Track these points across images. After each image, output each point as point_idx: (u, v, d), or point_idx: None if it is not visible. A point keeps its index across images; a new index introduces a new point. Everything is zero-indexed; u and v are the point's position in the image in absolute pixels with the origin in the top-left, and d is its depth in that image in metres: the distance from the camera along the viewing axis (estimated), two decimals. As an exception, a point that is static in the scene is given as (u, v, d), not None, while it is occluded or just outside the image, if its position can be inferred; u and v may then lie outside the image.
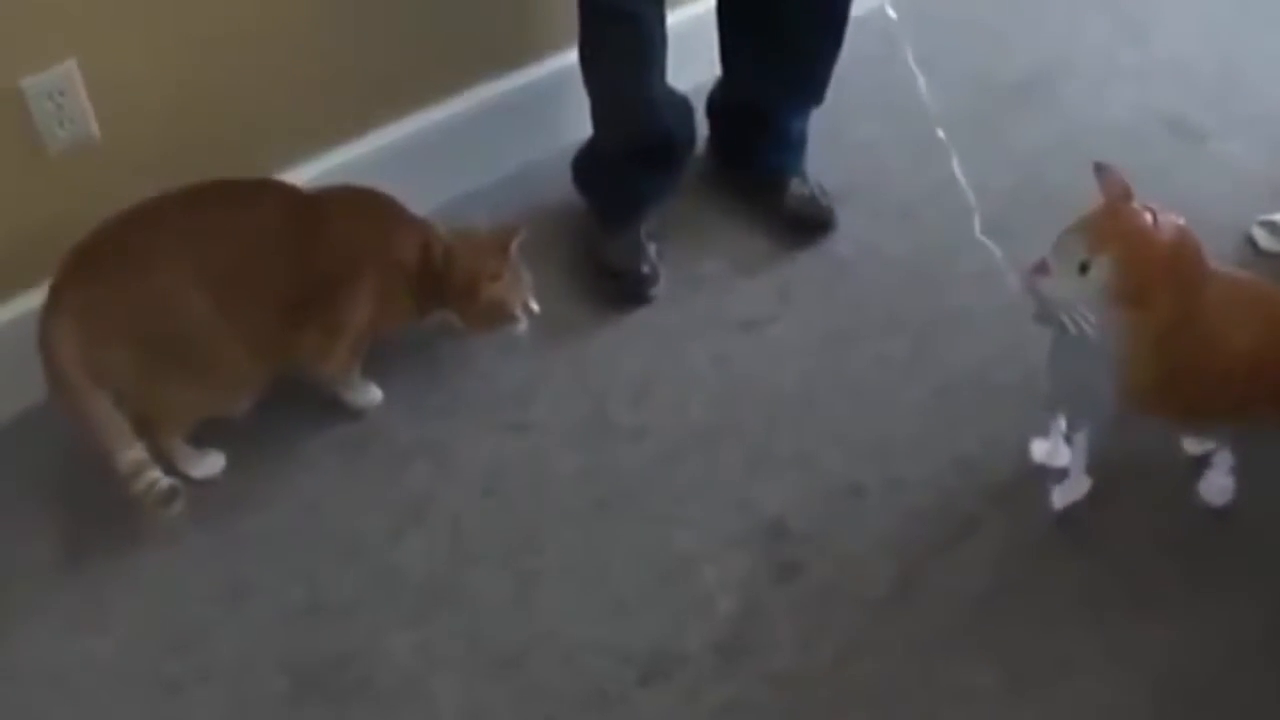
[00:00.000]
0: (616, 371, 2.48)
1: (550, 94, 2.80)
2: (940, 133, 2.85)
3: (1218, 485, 2.22)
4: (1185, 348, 1.97)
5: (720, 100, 2.84)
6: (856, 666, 2.03)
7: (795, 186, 2.75)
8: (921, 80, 3.06)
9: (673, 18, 2.51)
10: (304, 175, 2.48)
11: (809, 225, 2.71)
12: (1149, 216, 1.90)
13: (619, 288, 2.61)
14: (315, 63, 2.49)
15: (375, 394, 2.41)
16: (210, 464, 2.29)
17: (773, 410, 2.36)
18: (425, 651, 2.05)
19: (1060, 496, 2.21)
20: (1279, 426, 2.14)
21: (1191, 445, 2.27)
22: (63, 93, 2.21)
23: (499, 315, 2.34)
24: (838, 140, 2.88)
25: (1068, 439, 2.21)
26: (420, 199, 2.38)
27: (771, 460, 2.31)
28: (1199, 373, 2.00)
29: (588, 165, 2.72)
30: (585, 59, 2.54)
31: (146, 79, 2.30)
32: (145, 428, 2.11)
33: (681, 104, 2.67)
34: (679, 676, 2.02)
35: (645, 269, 2.61)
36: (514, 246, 2.32)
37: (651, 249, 2.64)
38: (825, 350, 2.51)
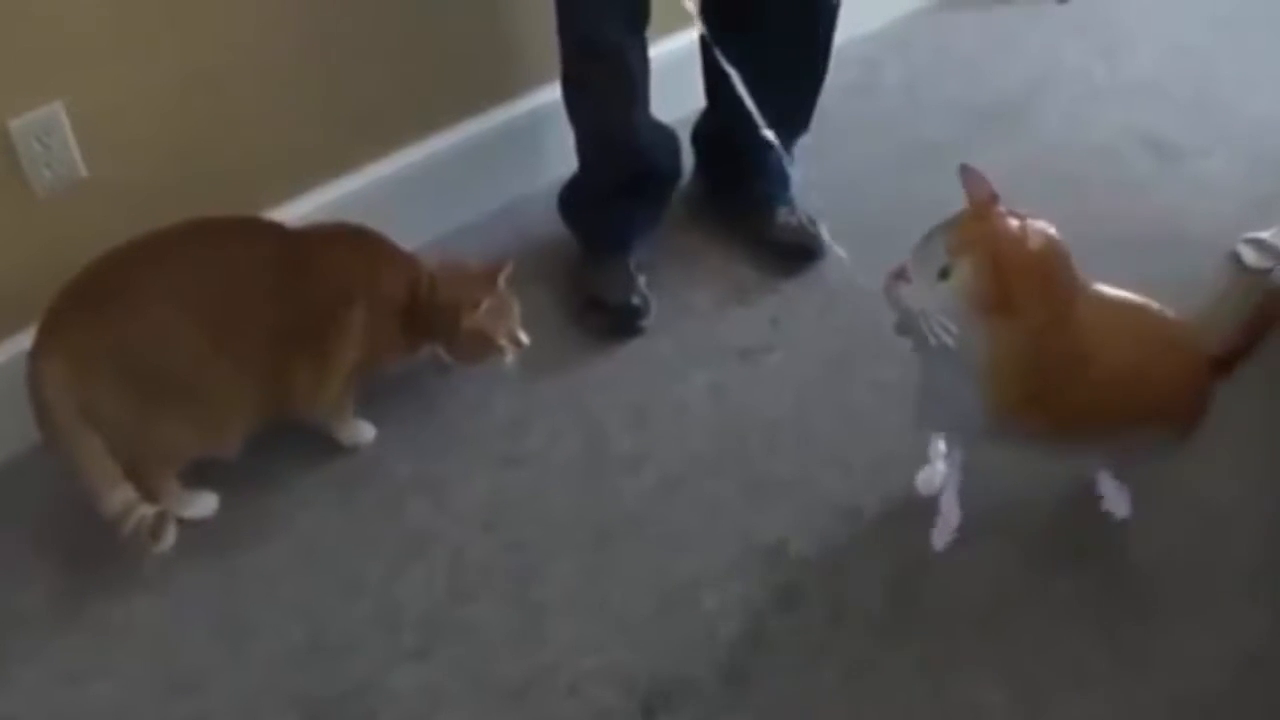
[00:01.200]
0: (612, 402, 2.48)
1: (536, 128, 2.82)
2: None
3: (1114, 497, 2.21)
4: (1054, 360, 1.89)
5: (706, 131, 2.85)
6: (863, 688, 2.02)
7: (783, 215, 2.75)
8: (903, 106, 3.08)
9: (656, 49, 2.53)
10: (293, 212, 2.49)
11: (798, 253, 2.71)
12: (1015, 221, 1.83)
13: (610, 320, 2.60)
14: (303, 100, 2.50)
15: (368, 431, 2.41)
16: (203, 504, 2.28)
17: (770, 436, 2.36)
18: (430, 687, 2.04)
19: (939, 537, 2.19)
20: (1156, 448, 2.09)
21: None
22: (50, 133, 2.21)
23: (483, 346, 2.33)
24: (821, 168, 2.88)
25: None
26: (409, 234, 2.38)
27: (770, 486, 2.30)
28: (1070, 387, 1.92)
29: (574, 198, 2.72)
30: (568, 94, 2.55)
31: (134, 119, 2.30)
32: (136, 469, 2.10)
33: (667, 135, 2.69)
34: (684, 704, 2.01)
35: (635, 300, 2.60)
36: (501, 279, 2.31)
37: (641, 280, 2.64)
38: (820, 376, 2.51)
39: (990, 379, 1.90)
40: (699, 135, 2.86)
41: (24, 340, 2.11)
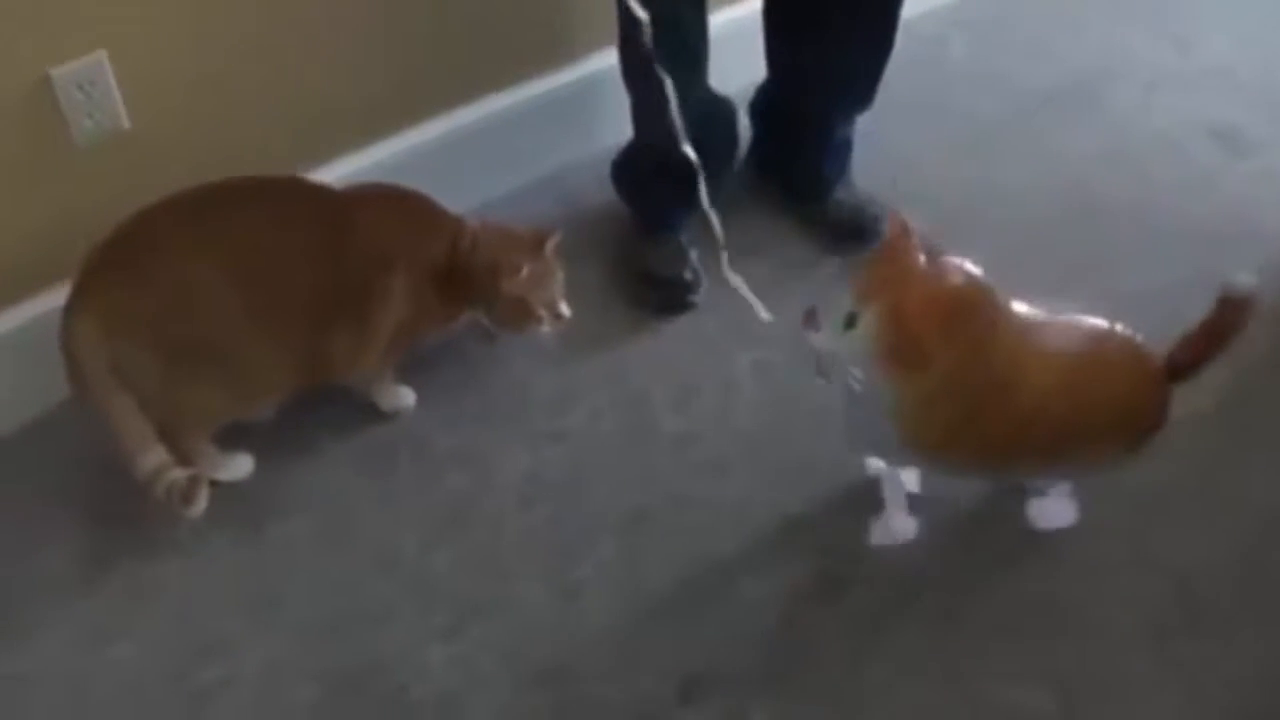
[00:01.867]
0: (657, 379, 2.43)
1: (591, 95, 2.77)
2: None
3: (1052, 510, 2.14)
4: (970, 397, 1.83)
5: (765, 104, 2.79)
6: (906, 687, 1.96)
7: (840, 192, 2.71)
8: (967, 85, 3.03)
9: (718, 18, 2.47)
10: (335, 173, 2.44)
11: (853, 232, 2.64)
12: (923, 264, 1.76)
13: (660, 294, 2.56)
14: (349, 59, 2.46)
15: (408, 397, 2.36)
16: (237, 466, 2.24)
17: (818, 420, 2.27)
18: (461, 664, 2.00)
19: (881, 535, 2.13)
20: (1107, 461, 2.02)
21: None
22: (92, 83, 2.17)
23: (521, 314, 2.27)
24: (882, 146, 2.82)
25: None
26: (454, 198, 2.33)
27: (817, 471, 2.24)
28: (994, 419, 1.86)
29: (628, 169, 2.67)
30: (625, 62, 2.49)
31: (178, 72, 2.26)
32: (169, 430, 2.07)
33: (725, 106, 2.63)
34: (721, 695, 1.96)
35: (687, 275, 2.56)
36: (548, 247, 2.26)
37: (693, 255, 2.59)
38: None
39: (902, 423, 1.86)
40: (758, 107, 2.80)
41: (60, 294, 2.07)
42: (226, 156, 2.17)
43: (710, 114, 2.53)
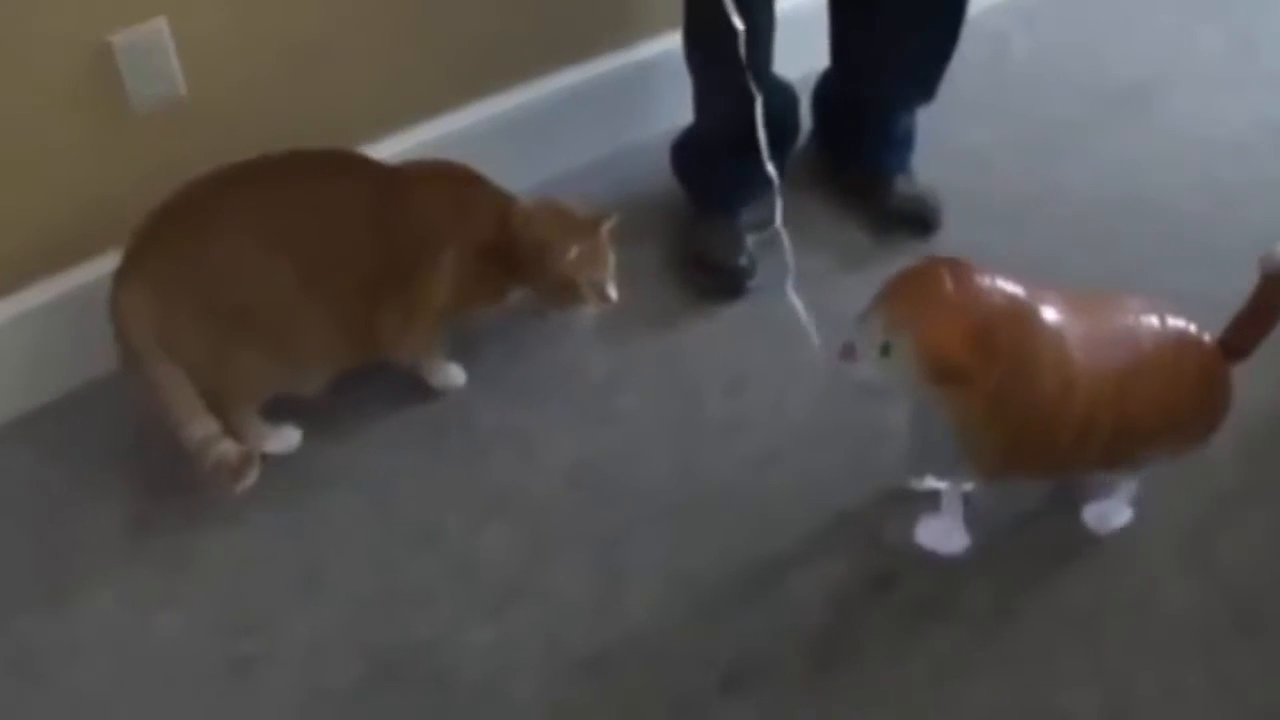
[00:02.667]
0: (711, 366, 2.40)
1: (652, 76, 2.75)
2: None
3: (1108, 512, 2.11)
4: (1028, 407, 1.80)
5: (827, 91, 2.77)
6: (951, 685, 1.93)
7: (900, 184, 2.68)
8: (1028, 83, 3.01)
9: (783, 4, 2.44)
10: (391, 149, 2.43)
11: (914, 224, 2.63)
12: (948, 280, 1.73)
13: (715, 280, 2.54)
14: (409, 33, 2.45)
15: (458, 375, 2.35)
16: (284, 439, 2.23)
17: (873, 414, 2.26)
18: (502, 648, 1.98)
19: (931, 538, 2.10)
20: (1179, 450, 1.99)
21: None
22: (152, 50, 2.16)
23: (567, 294, 2.25)
24: (943, 141, 2.80)
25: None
26: (512, 179, 2.30)
27: (870, 466, 2.21)
28: (1056, 425, 1.83)
29: (687, 152, 2.65)
30: (689, 43, 2.47)
31: (238, 42, 2.26)
32: (217, 401, 2.06)
33: (787, 92, 2.60)
34: (763, 687, 1.93)
35: (743, 261, 2.53)
36: (603, 229, 2.24)
37: (750, 241, 2.56)
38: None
39: (963, 443, 1.84)
40: (820, 95, 2.78)
41: (113, 260, 2.07)
42: (283, 128, 2.16)
43: (772, 98, 2.48)
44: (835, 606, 2.03)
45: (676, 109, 2.59)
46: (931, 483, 2.11)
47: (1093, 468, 1.98)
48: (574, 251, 2.18)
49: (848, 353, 1.81)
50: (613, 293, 2.27)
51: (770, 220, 2.34)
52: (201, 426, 2.01)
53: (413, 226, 2.15)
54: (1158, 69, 3.15)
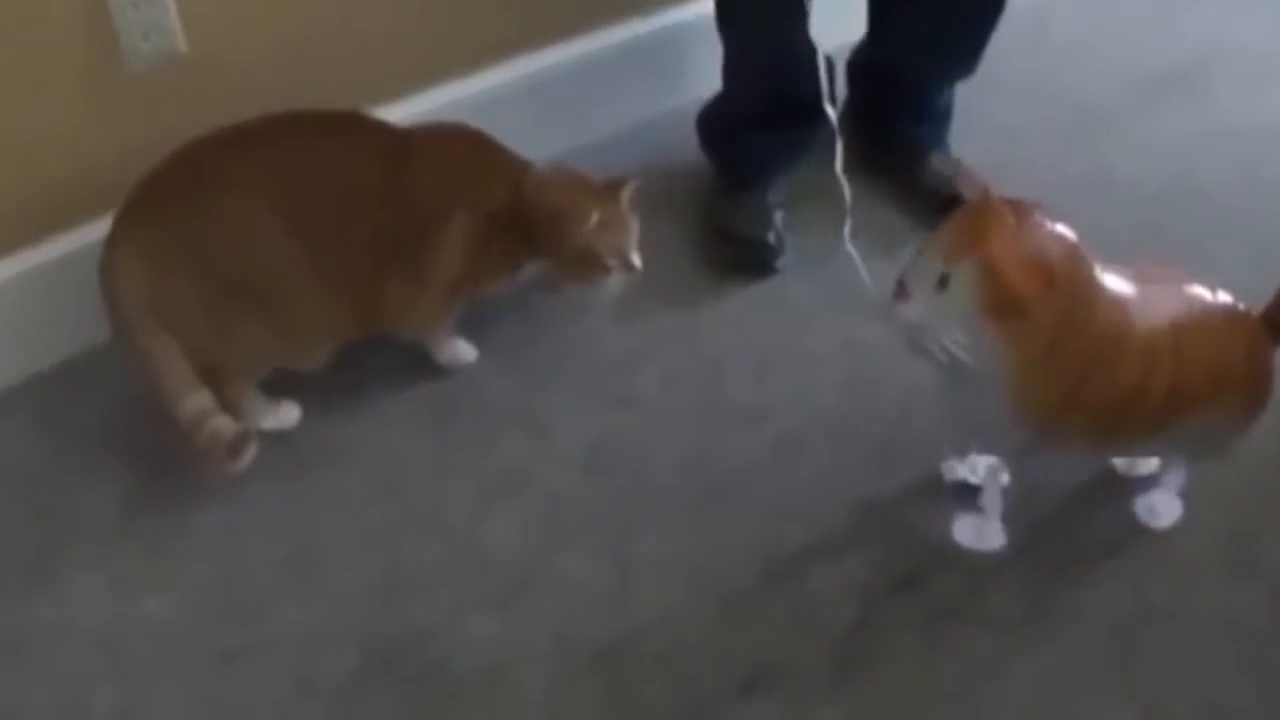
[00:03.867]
0: (735, 348, 2.32)
1: (680, 42, 2.70)
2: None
3: (1160, 505, 2.03)
4: (1083, 353, 1.74)
5: (863, 62, 2.68)
6: (982, 691, 1.84)
7: (936, 161, 2.59)
8: (1068, 65, 2.94)
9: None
10: (403, 113, 2.34)
11: (950, 204, 2.45)
12: (1009, 214, 1.66)
13: (741, 256, 2.45)
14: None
15: (468, 352, 2.27)
16: (283, 415, 2.16)
17: (904, 402, 2.18)
18: (509, 639, 1.89)
19: (967, 536, 2.01)
20: (1222, 429, 1.90)
21: (1124, 465, 2.08)
22: (150, 3, 2.09)
23: (588, 265, 2.16)
24: (977, 123, 2.72)
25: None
26: (532, 146, 2.21)
27: (899, 457, 2.12)
28: (1107, 379, 1.76)
29: (716, 122, 2.58)
30: (721, 7, 2.40)
31: (243, -7, 2.17)
32: (213, 375, 1.99)
33: (823, 63, 2.46)
34: (784, 688, 1.84)
35: (771, 238, 2.45)
36: (624, 194, 2.16)
37: (778, 217, 2.49)
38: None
39: (1018, 388, 1.74)
40: (856, 65, 2.69)
41: (105, 226, 2.00)
42: (289, 89, 2.07)
43: (806, 68, 2.37)
44: (860, 605, 1.94)
45: (705, 77, 2.52)
46: (966, 473, 2.04)
47: (1143, 433, 1.88)
48: (594, 218, 2.10)
49: (900, 290, 1.72)
50: (637, 262, 2.18)
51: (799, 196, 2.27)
52: (195, 401, 1.94)
53: (422, 192, 2.07)
54: (1202, 55, 3.06)
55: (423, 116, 2.29)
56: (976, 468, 2.04)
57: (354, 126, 2.10)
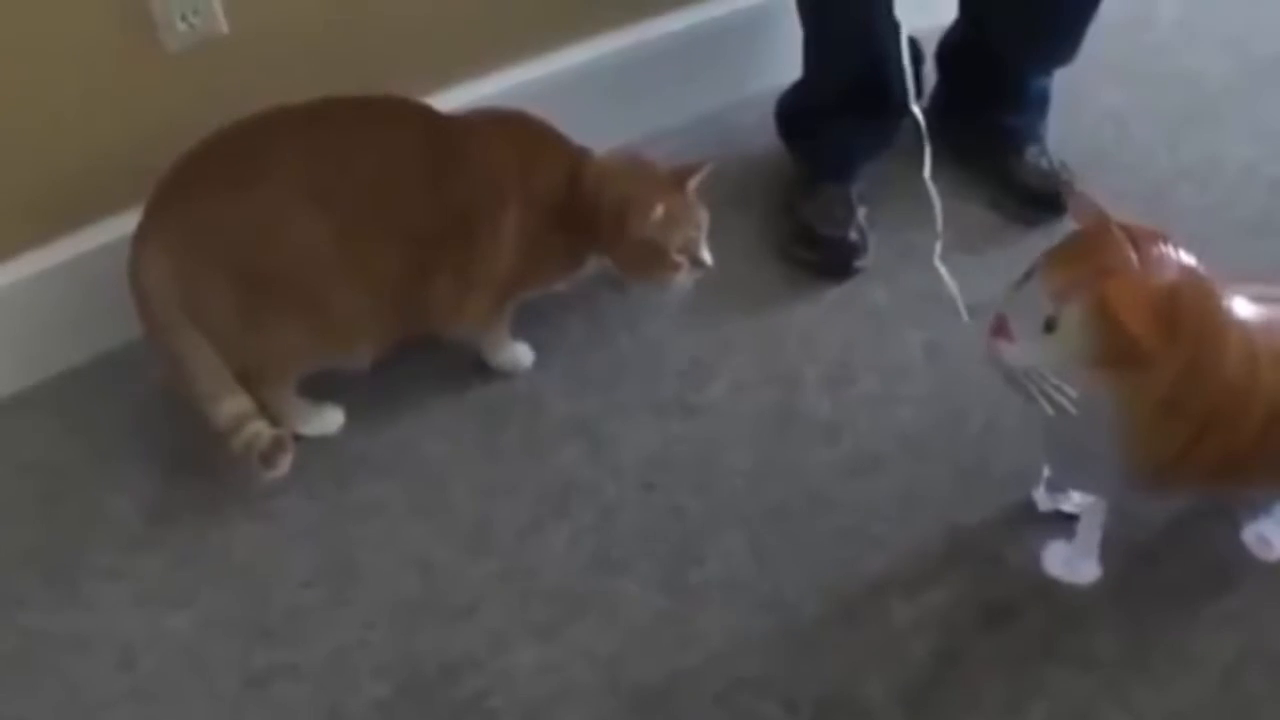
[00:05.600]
0: (812, 354, 2.21)
1: (759, 25, 2.58)
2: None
3: (1269, 534, 1.88)
4: (1206, 406, 1.59)
5: (954, 47, 2.56)
6: (1072, 739, 1.72)
7: (1032, 155, 2.46)
8: (1178, 47, 2.81)
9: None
10: (457, 100, 2.26)
11: (1046, 202, 2.39)
12: (1131, 249, 1.50)
13: (821, 255, 2.34)
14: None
15: (525, 356, 2.17)
16: (325, 421, 2.08)
17: (994, 416, 2.05)
18: (552, 672, 1.79)
19: (1058, 566, 1.87)
20: None
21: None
22: (190, -20, 2.02)
23: (653, 260, 2.05)
24: (1080, 108, 2.59)
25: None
26: (595, 137, 2.12)
27: (990, 478, 2.00)
28: (1232, 432, 1.62)
29: (796, 110, 2.47)
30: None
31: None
32: (249, 376, 1.92)
33: (910, 47, 2.37)
34: (856, 731, 1.73)
35: (853, 236, 2.33)
36: (691, 184, 2.05)
37: (861, 213, 2.37)
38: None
39: (1129, 442, 1.61)
40: (946, 49, 2.57)
41: (138, 217, 1.93)
42: (334, 72, 1.99)
43: (892, 52, 2.29)
44: (940, 640, 1.82)
45: (784, 62, 2.42)
46: (1064, 503, 1.91)
47: (1264, 480, 1.76)
48: (659, 210, 1.99)
49: (1001, 329, 1.57)
50: (707, 257, 2.08)
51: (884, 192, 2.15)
52: (231, 404, 1.88)
53: (473, 183, 1.97)
54: None
55: (480, 103, 2.21)
56: (1073, 497, 1.91)
57: (402, 113, 2.01)
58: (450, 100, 2.22)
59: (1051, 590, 1.85)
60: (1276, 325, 1.65)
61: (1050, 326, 1.52)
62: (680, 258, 2.04)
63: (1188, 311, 1.52)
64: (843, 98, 2.28)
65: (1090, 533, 1.84)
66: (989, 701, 1.75)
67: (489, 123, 2.05)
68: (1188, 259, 1.54)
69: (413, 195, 1.94)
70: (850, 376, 2.17)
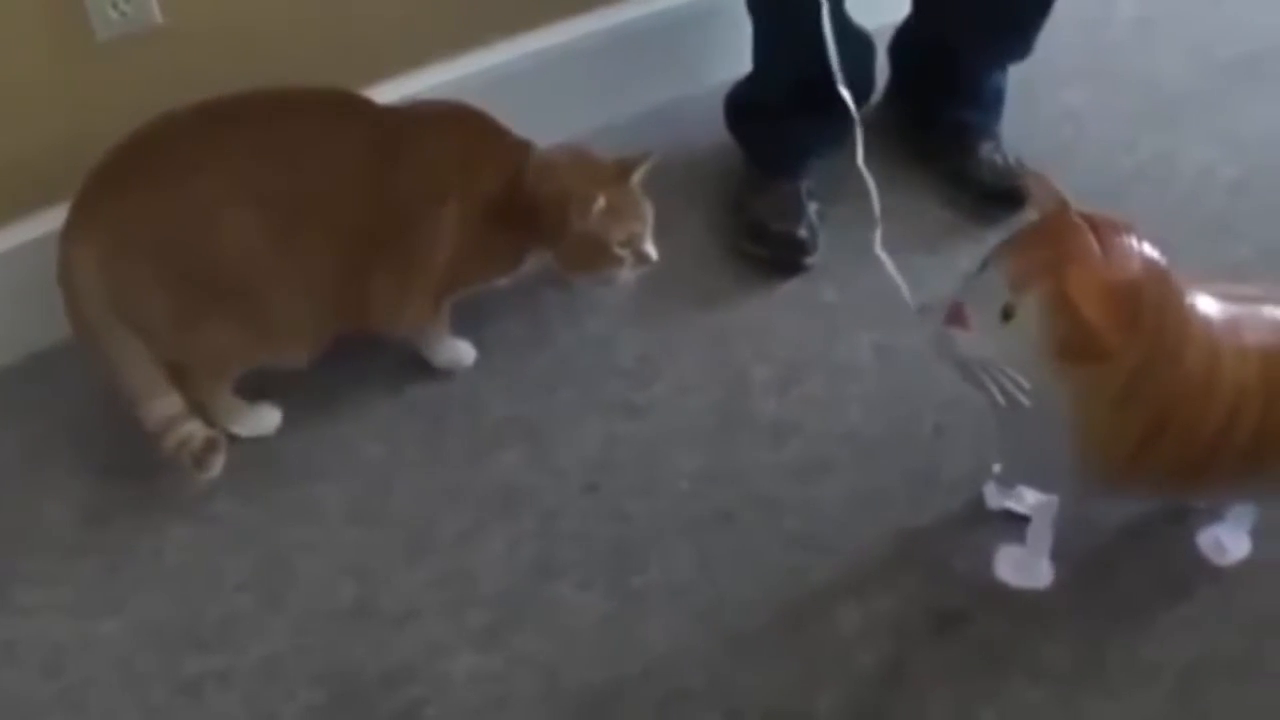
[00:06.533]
0: (760, 353, 2.17)
1: (710, 18, 2.55)
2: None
3: (1227, 540, 1.85)
4: (1167, 400, 1.56)
5: (908, 41, 2.54)
6: (1025, 752, 1.69)
7: (987, 151, 2.44)
8: (1136, 48, 2.80)
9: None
10: (403, 92, 2.24)
11: (1002, 198, 2.37)
12: (1092, 235, 1.48)
13: (770, 251, 2.31)
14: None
15: (467, 353, 2.14)
16: (262, 421, 2.04)
17: (945, 419, 2.03)
18: (491, 681, 1.75)
19: (1010, 571, 1.84)
20: None
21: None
22: (121, -33, 1.99)
23: (595, 254, 2.01)
24: (1037, 107, 2.59)
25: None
26: (542, 131, 2.08)
27: (939, 482, 1.97)
28: (1189, 431, 1.59)
29: (745, 105, 2.44)
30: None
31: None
32: (182, 376, 1.89)
33: (861, 41, 2.37)
34: (802, 742, 1.70)
35: (803, 232, 2.30)
36: (635, 177, 2.02)
37: (812, 209, 2.34)
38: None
39: (1085, 437, 1.58)
40: (900, 46, 2.55)
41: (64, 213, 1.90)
42: (273, 65, 1.97)
43: (844, 47, 2.23)
44: (889, 649, 1.79)
45: (735, 56, 2.38)
46: (1013, 503, 1.88)
47: (1223, 483, 1.72)
48: (600, 202, 1.95)
49: (956, 316, 1.54)
50: (652, 251, 2.04)
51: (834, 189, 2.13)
52: (163, 405, 1.87)
53: (412, 179, 1.93)
54: None
55: (423, 96, 2.20)
56: (1024, 497, 1.88)
57: (338, 106, 1.97)
58: (392, 93, 2.19)
59: (1002, 597, 1.83)
60: (1241, 324, 1.62)
61: (1008, 315, 1.49)
62: (623, 252, 2.01)
63: (1149, 304, 1.50)
64: (792, 93, 2.25)
65: (1042, 535, 1.81)
66: (937, 712, 1.72)
67: (428, 116, 2.02)
68: (1150, 250, 1.52)
69: (350, 191, 1.90)
70: (799, 377, 2.14)
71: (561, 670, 1.76)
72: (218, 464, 1.86)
